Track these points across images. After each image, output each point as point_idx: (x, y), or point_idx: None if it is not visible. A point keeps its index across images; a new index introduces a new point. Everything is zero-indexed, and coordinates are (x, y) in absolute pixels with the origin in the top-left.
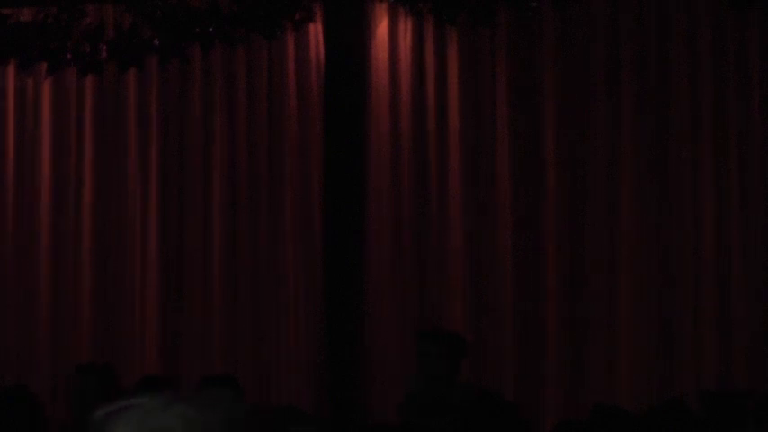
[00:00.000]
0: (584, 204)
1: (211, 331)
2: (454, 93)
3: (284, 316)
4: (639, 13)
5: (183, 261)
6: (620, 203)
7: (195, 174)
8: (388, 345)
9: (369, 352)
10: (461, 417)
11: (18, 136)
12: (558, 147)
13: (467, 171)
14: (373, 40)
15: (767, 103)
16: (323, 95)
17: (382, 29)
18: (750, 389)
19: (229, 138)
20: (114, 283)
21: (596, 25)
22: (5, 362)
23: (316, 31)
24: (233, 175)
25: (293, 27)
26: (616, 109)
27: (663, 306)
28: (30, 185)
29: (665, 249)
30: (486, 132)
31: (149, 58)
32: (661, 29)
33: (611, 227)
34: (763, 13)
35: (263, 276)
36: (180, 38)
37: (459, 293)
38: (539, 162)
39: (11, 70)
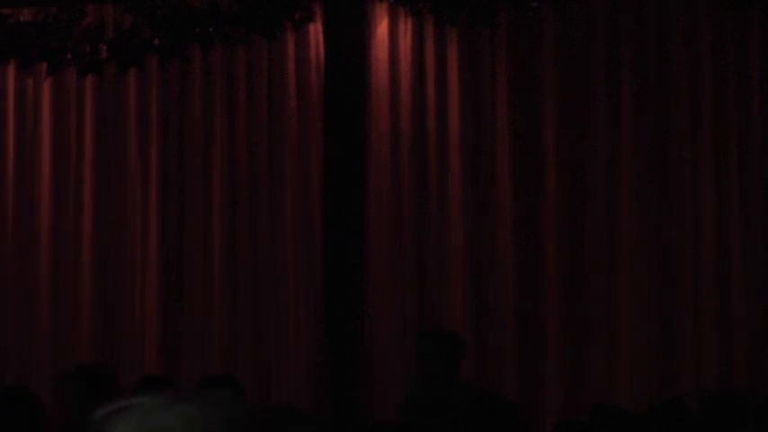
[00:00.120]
0: (584, 204)
1: (211, 331)
2: (454, 93)
3: (284, 316)
4: (639, 13)
5: (183, 261)
6: (620, 203)
7: (195, 174)
8: (388, 345)
9: (369, 352)
10: (461, 417)
11: (18, 136)
12: (558, 147)
13: (467, 171)
14: (373, 40)
15: (767, 103)
16: (323, 95)
17: (382, 29)
18: (750, 389)
19: (229, 138)
20: (114, 283)
21: (596, 25)
22: (5, 362)
23: (316, 31)
24: (233, 175)
25: (293, 27)
26: (616, 109)
27: (663, 306)
28: (30, 185)
29: (665, 249)
30: (486, 132)
31: (149, 58)
32: (661, 29)
33: (611, 227)
34: (763, 13)
35: (263, 276)
36: (180, 38)
37: (459, 293)
38: (539, 162)
39: (11, 70)
